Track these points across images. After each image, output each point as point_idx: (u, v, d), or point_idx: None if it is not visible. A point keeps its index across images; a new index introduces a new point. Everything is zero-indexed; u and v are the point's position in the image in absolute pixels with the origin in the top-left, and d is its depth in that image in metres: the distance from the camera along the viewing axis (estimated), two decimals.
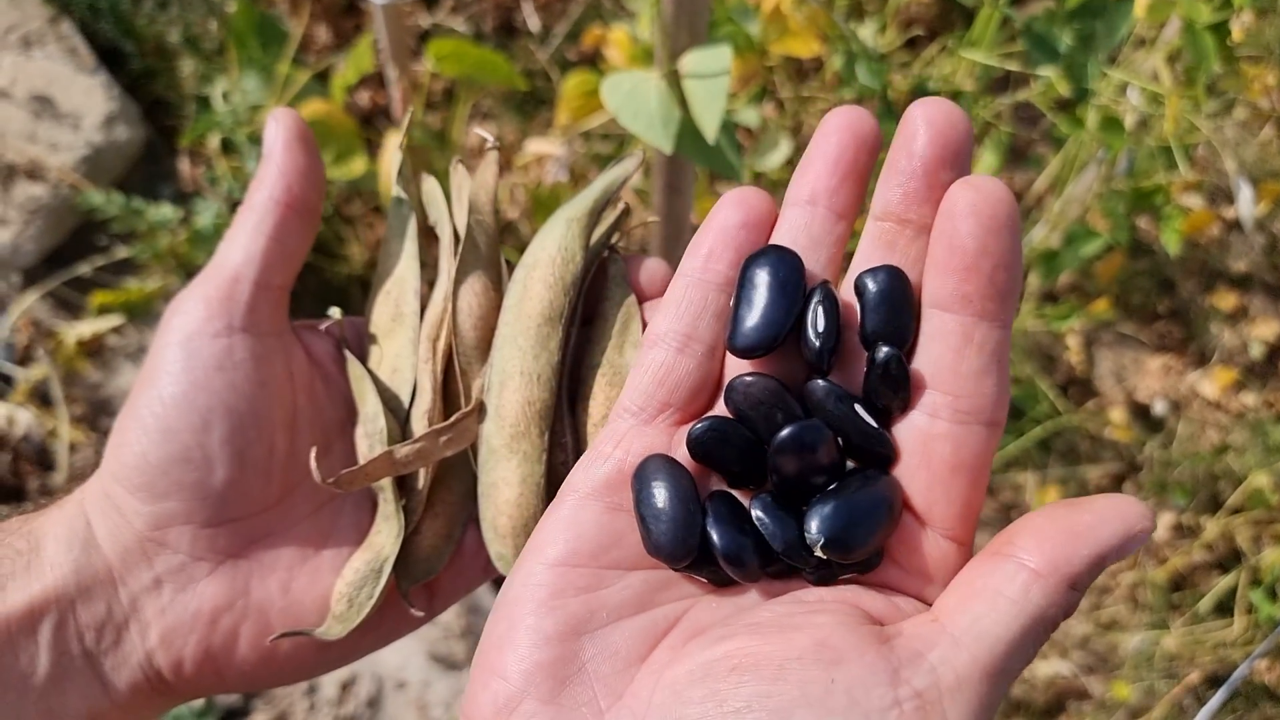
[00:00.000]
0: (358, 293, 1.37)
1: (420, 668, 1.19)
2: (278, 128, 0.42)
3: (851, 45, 0.81)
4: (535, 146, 1.26)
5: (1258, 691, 1.32)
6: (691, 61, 0.56)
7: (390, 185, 1.15)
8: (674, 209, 0.76)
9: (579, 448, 0.42)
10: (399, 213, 0.47)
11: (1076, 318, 1.19)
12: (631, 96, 0.55)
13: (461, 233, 0.44)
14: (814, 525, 0.32)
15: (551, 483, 0.42)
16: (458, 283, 0.43)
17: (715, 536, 0.33)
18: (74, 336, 1.22)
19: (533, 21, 1.50)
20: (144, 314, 1.28)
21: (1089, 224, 1.13)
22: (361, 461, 0.42)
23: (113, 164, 1.32)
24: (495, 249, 0.45)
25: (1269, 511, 1.31)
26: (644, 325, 0.42)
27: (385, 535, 0.42)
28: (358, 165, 1.09)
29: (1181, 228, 1.11)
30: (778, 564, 0.34)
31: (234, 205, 1.31)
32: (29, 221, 1.26)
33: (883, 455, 0.34)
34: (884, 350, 0.33)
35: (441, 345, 0.43)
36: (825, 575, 0.34)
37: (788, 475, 0.33)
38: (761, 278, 0.34)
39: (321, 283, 1.37)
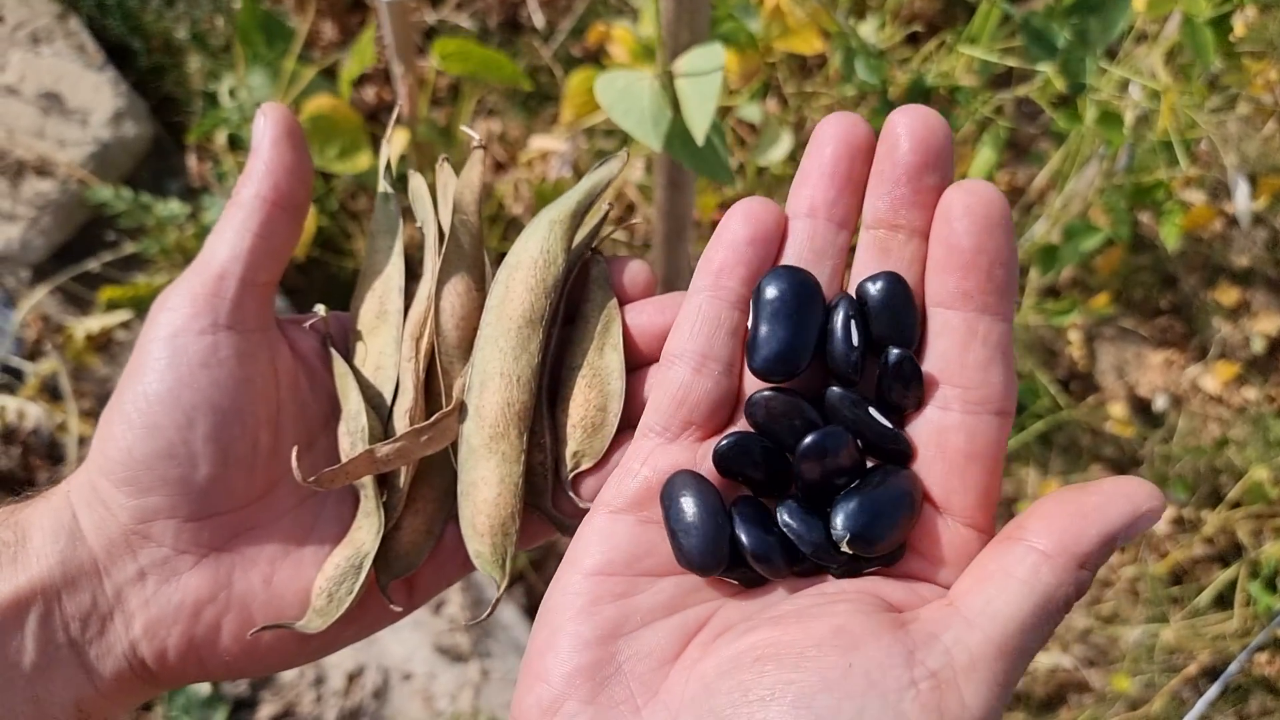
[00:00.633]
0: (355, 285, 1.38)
1: (426, 659, 1.20)
2: (266, 123, 0.42)
3: (851, 42, 0.82)
4: (539, 143, 1.27)
5: (1256, 683, 1.32)
6: (685, 63, 0.56)
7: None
8: (675, 205, 0.76)
9: (557, 449, 0.43)
10: (385, 209, 0.47)
11: (1078, 313, 1.20)
12: (624, 95, 0.55)
13: (446, 231, 0.44)
14: (839, 522, 0.33)
15: (530, 483, 0.43)
16: (441, 282, 0.43)
17: (745, 538, 0.34)
18: (83, 331, 1.23)
19: (537, 18, 1.51)
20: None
21: (1090, 219, 1.14)
22: (343, 458, 0.43)
23: (121, 160, 1.33)
24: (479, 248, 0.45)
25: (1269, 505, 1.32)
26: (625, 327, 0.43)
27: (366, 531, 0.43)
28: (363, 160, 1.10)
29: (1181, 223, 1.12)
30: (804, 564, 0.35)
31: None
32: (38, 217, 1.27)
33: (900, 453, 0.35)
34: (895, 352, 0.34)
35: (424, 344, 0.44)
36: (851, 571, 0.35)
37: (812, 480, 0.35)
38: (780, 301, 0.35)
39: (327, 277, 1.38)
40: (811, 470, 0.35)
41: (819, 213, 0.36)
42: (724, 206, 1.40)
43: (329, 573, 0.42)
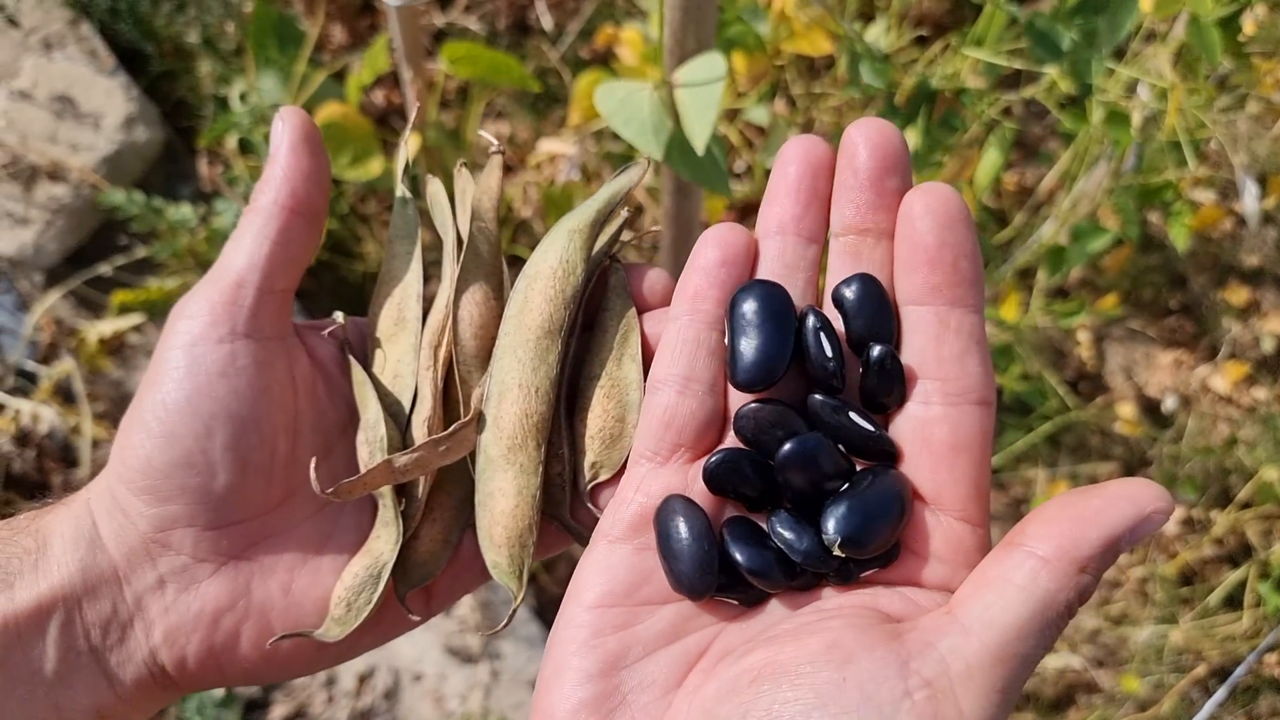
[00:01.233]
0: (373, 290, 1.39)
1: (436, 660, 1.21)
2: (284, 128, 0.42)
3: (856, 46, 0.82)
4: (548, 146, 1.28)
5: (1266, 684, 1.32)
6: (685, 73, 0.56)
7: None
8: (682, 211, 0.77)
9: (575, 460, 0.43)
10: (403, 214, 0.47)
11: (1086, 313, 1.20)
12: (624, 104, 0.55)
13: (465, 238, 0.44)
14: (830, 526, 0.34)
15: (547, 493, 0.43)
16: (459, 291, 0.43)
17: (739, 556, 0.35)
18: (96, 335, 1.24)
19: (546, 20, 1.52)
20: (164, 313, 1.30)
21: (1098, 220, 1.14)
22: (361, 467, 0.43)
23: (133, 164, 1.34)
24: (497, 256, 0.45)
25: (1279, 506, 1.32)
26: (644, 336, 0.43)
27: (384, 541, 0.43)
28: (374, 166, 1.10)
29: (1190, 223, 1.11)
30: (802, 575, 0.35)
31: None
32: (51, 221, 1.28)
33: (886, 453, 0.35)
34: (877, 349, 0.35)
35: (443, 353, 0.43)
36: (847, 574, 0.35)
37: (799, 488, 0.35)
38: (752, 313, 0.36)
39: (337, 280, 1.39)
40: (795, 478, 0.35)
41: (788, 229, 0.38)
42: (733, 209, 1.41)
43: (347, 582, 0.43)
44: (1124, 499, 0.31)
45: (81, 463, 1.21)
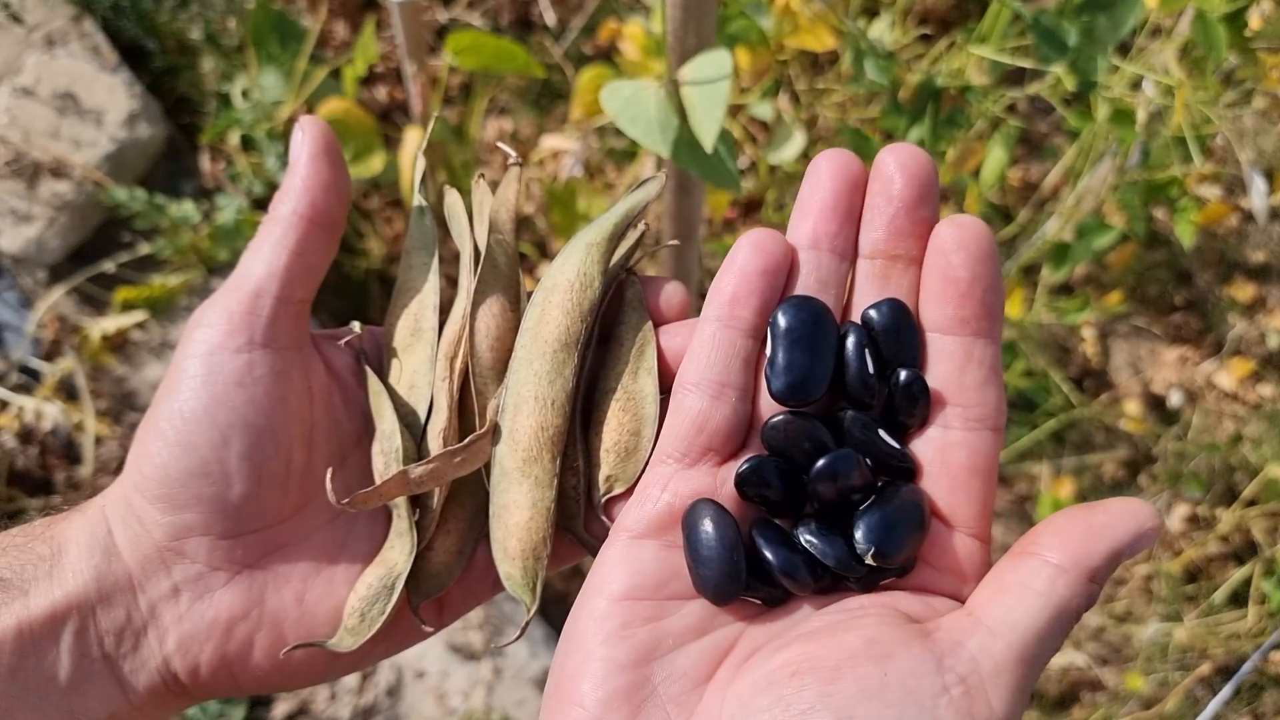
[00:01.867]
0: (376, 287, 1.39)
1: (439, 657, 1.21)
2: (304, 139, 0.42)
3: (860, 43, 0.81)
4: (551, 142, 1.27)
5: (1271, 682, 1.32)
6: (691, 70, 0.56)
7: (409, 180, 1.16)
8: (684, 208, 0.76)
9: (590, 472, 0.43)
10: (420, 225, 0.47)
11: (1091, 310, 1.19)
12: (630, 103, 0.55)
13: (482, 250, 0.44)
14: (861, 536, 0.35)
15: (561, 506, 0.43)
16: (476, 303, 0.43)
17: (771, 557, 0.36)
18: (99, 331, 1.24)
19: (549, 16, 1.51)
20: (167, 309, 1.30)
21: (1103, 216, 1.13)
22: (376, 478, 0.43)
23: (135, 161, 1.34)
24: (515, 268, 0.45)
25: None
26: (660, 349, 0.43)
27: (398, 551, 0.43)
28: (376, 163, 1.10)
29: (1196, 219, 1.11)
30: (824, 579, 0.37)
31: (255, 201, 1.33)
32: (54, 218, 1.28)
33: (907, 470, 0.37)
34: (906, 373, 0.37)
35: (459, 364, 0.43)
36: (869, 582, 0.37)
37: (828, 499, 0.37)
38: (799, 329, 0.37)
39: (341, 277, 1.39)
40: (827, 490, 0.36)
41: (822, 244, 0.38)
42: (735, 205, 1.40)
43: (361, 592, 0.43)
44: (1126, 515, 0.34)
45: (85, 460, 1.21)
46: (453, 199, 0.47)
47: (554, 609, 1.29)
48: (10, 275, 1.29)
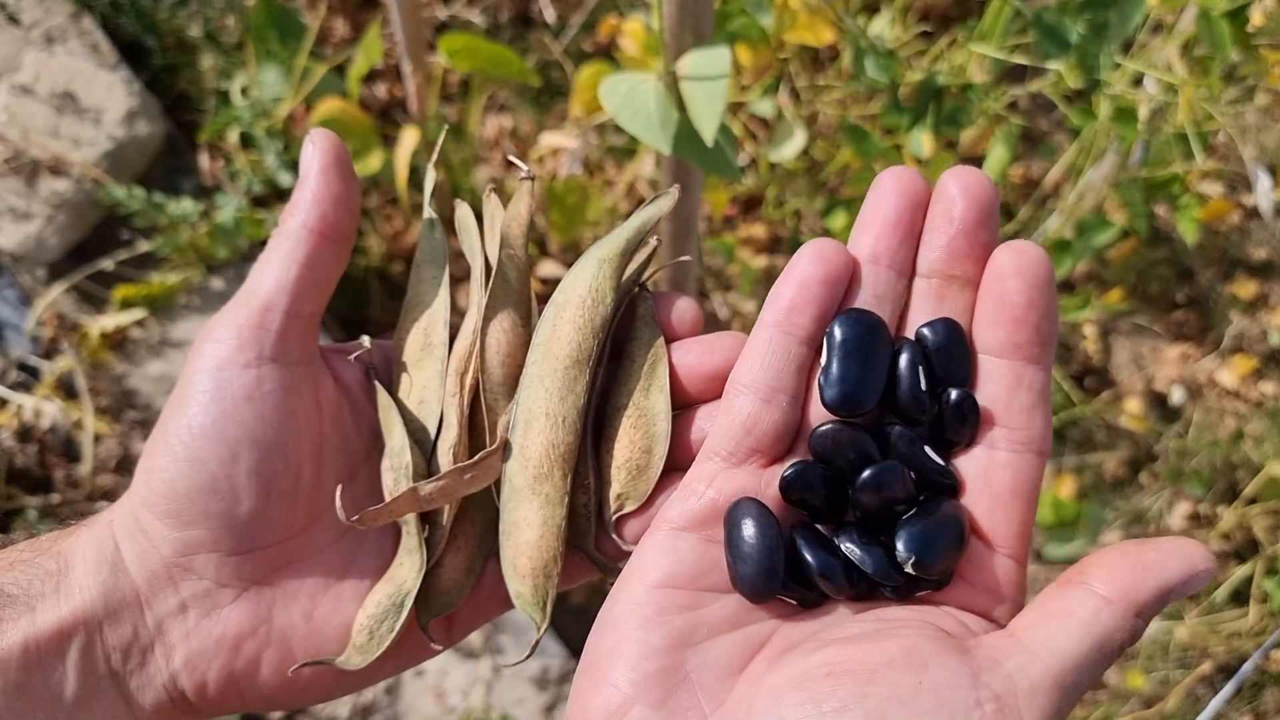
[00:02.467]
0: (376, 285, 1.38)
1: (438, 656, 1.21)
2: (314, 151, 0.42)
3: (860, 41, 0.81)
4: (550, 139, 1.27)
5: (1272, 680, 1.31)
6: (690, 64, 0.56)
7: (404, 179, 1.16)
8: (682, 206, 0.76)
9: (601, 490, 0.43)
10: (430, 238, 0.47)
11: (1093, 307, 1.19)
12: (630, 98, 0.55)
13: (494, 264, 0.44)
14: (903, 546, 0.36)
15: (572, 523, 0.43)
16: (487, 319, 0.43)
17: (811, 559, 0.37)
18: (98, 330, 1.24)
19: (548, 12, 1.51)
20: (166, 307, 1.30)
21: (1104, 213, 1.13)
22: (386, 494, 0.43)
23: (134, 159, 1.34)
24: (526, 284, 0.45)
25: None
26: (671, 366, 0.43)
27: (407, 569, 0.43)
28: (374, 161, 1.10)
29: (1198, 216, 1.11)
30: (859, 586, 0.38)
31: (254, 199, 1.33)
32: (53, 216, 1.28)
33: (949, 486, 0.38)
34: (956, 392, 0.38)
35: (469, 379, 0.43)
36: (905, 592, 0.37)
37: (870, 509, 0.37)
38: (855, 341, 0.38)
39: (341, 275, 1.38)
40: (869, 500, 0.37)
41: (881, 260, 0.39)
42: (735, 202, 1.40)
43: (370, 610, 0.42)
44: (1179, 554, 0.34)
45: (84, 458, 1.21)
46: (463, 212, 0.47)
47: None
48: (9, 273, 1.29)
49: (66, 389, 1.25)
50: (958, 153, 1.05)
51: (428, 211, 0.47)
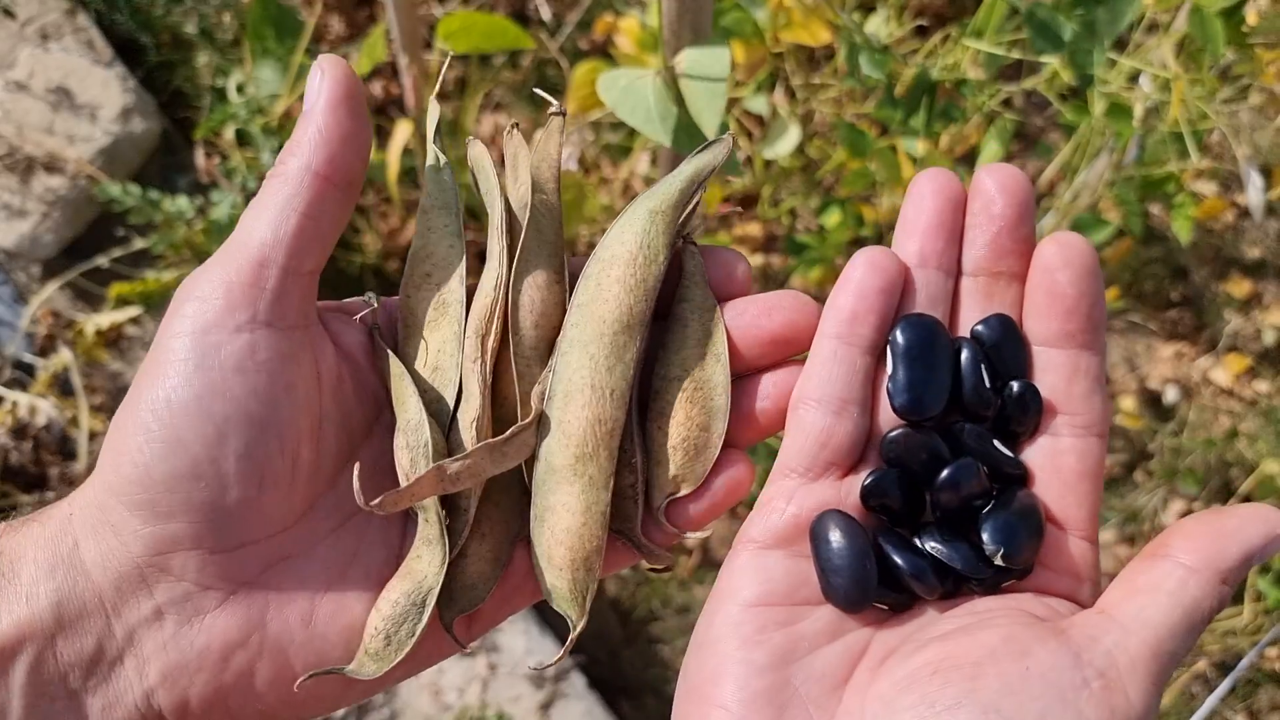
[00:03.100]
0: (372, 282, 1.38)
1: None
2: (323, 82, 0.36)
3: (855, 37, 0.81)
4: None
5: (1267, 679, 1.32)
6: (689, 61, 0.56)
7: (395, 174, 1.16)
8: None
9: (651, 470, 0.39)
10: (439, 180, 0.40)
11: None
12: (628, 93, 0.55)
13: (518, 209, 0.39)
14: (990, 539, 0.36)
15: (616, 507, 0.39)
16: (519, 273, 0.38)
17: (900, 562, 0.37)
18: (93, 327, 1.24)
19: (544, 10, 1.51)
20: (161, 304, 1.30)
21: (1099, 212, 1.13)
22: (401, 475, 0.37)
23: (129, 156, 1.33)
24: (559, 235, 0.40)
25: None
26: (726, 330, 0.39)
27: (427, 561, 0.37)
28: (372, 155, 1.09)
29: (1193, 215, 1.11)
30: (947, 584, 0.38)
31: (249, 197, 1.33)
32: (48, 213, 1.28)
33: (1020, 476, 0.39)
34: (1019, 384, 0.38)
35: (491, 343, 0.38)
36: (992, 584, 0.38)
37: (950, 507, 0.38)
38: (918, 347, 0.38)
39: (336, 272, 1.39)
40: (950, 499, 0.38)
41: (929, 263, 0.39)
42: (729, 200, 1.40)
43: (385, 611, 0.37)
44: (1258, 519, 0.35)
45: (79, 455, 1.21)
46: (477, 151, 0.41)
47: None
48: (4, 270, 1.29)
49: (62, 386, 1.25)
50: (951, 150, 1.06)
51: (433, 153, 0.41)
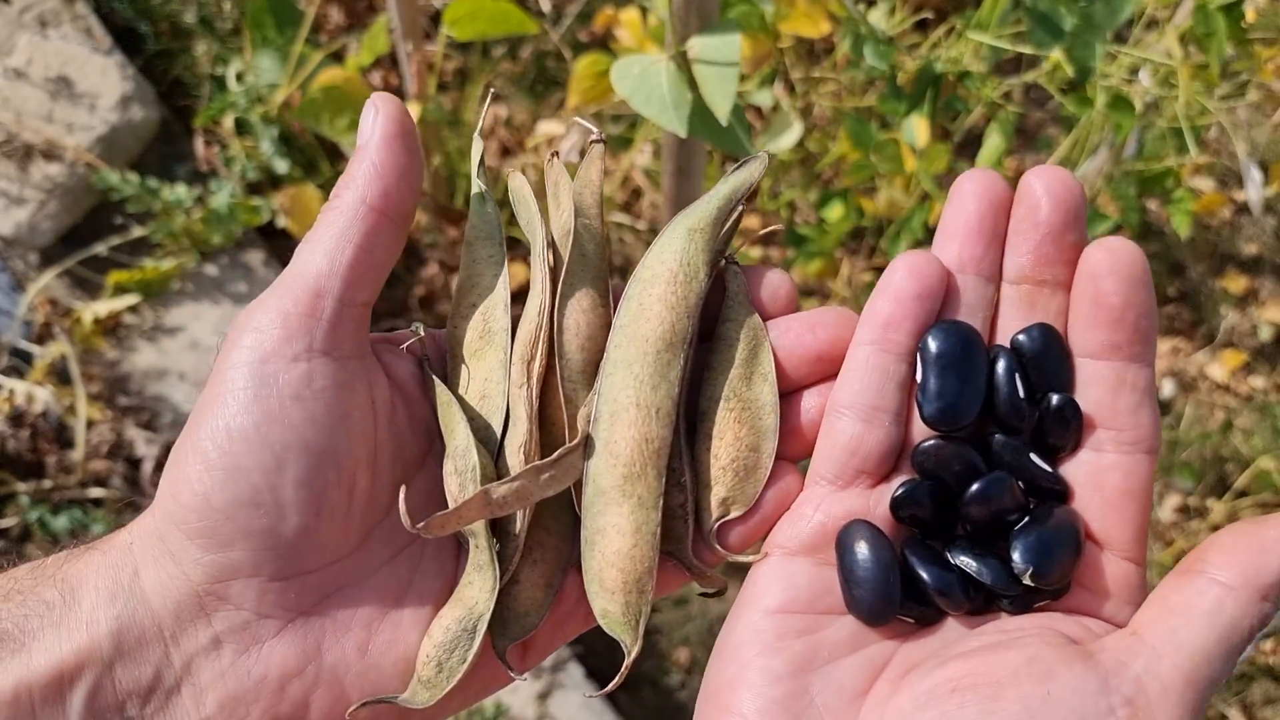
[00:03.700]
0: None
1: None
2: (377, 118, 0.37)
3: (860, 27, 0.81)
4: (546, 128, 1.27)
5: (1260, 672, 1.32)
6: (701, 46, 0.56)
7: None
8: (683, 192, 0.76)
9: (700, 491, 0.39)
10: (482, 213, 0.42)
11: None
12: (642, 80, 0.55)
13: (560, 236, 0.39)
14: (1019, 557, 0.35)
15: (666, 528, 0.38)
16: (564, 297, 0.38)
17: (926, 576, 0.36)
18: (91, 315, 1.24)
19: (545, 2, 1.51)
20: (159, 293, 1.30)
21: (1098, 207, 1.13)
22: (451, 501, 0.38)
23: (128, 144, 1.33)
24: (604, 258, 0.40)
25: (1276, 494, 1.32)
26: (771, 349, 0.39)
27: (478, 588, 0.37)
28: None
29: (1191, 210, 1.11)
30: (976, 600, 0.37)
31: (248, 186, 1.33)
32: (46, 201, 1.28)
33: (1058, 492, 0.37)
34: (1058, 398, 0.37)
35: (536, 368, 0.38)
36: (1023, 603, 0.37)
37: (981, 521, 0.37)
38: (950, 354, 0.37)
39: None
40: (980, 513, 0.37)
41: (968, 268, 0.38)
42: None
43: (437, 637, 0.37)
44: None
45: (76, 443, 1.21)
46: (518, 183, 0.42)
47: None
48: (2, 258, 1.29)
49: (59, 374, 1.25)
50: (953, 143, 1.06)
51: (477, 185, 0.42)
